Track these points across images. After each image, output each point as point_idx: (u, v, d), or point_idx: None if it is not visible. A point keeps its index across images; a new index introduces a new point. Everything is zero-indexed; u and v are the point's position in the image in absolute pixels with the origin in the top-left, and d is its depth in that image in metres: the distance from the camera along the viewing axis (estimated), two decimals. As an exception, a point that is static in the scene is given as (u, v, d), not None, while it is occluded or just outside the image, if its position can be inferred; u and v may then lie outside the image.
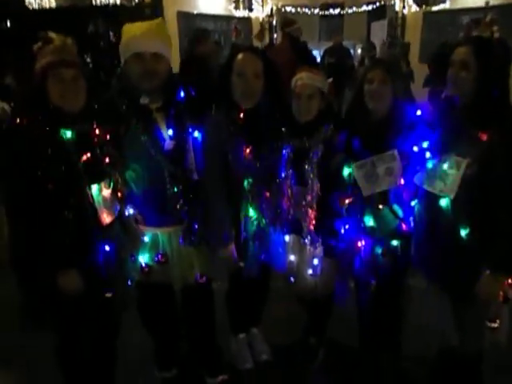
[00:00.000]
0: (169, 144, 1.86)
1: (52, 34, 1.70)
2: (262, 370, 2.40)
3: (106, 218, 1.80)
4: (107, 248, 1.78)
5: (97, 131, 1.76)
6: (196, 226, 1.95)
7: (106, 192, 1.79)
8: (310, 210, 2.02)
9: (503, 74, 1.65)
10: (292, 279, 2.18)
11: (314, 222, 2.02)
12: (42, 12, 6.70)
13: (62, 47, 1.67)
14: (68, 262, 1.69)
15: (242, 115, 1.95)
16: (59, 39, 1.69)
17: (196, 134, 1.95)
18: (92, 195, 1.72)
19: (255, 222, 2.01)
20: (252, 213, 2.00)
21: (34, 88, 1.66)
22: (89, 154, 1.70)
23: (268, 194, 2.02)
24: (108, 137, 1.80)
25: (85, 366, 1.94)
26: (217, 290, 2.26)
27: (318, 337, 2.42)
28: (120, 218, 1.89)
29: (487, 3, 8.30)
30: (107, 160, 1.78)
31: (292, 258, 2.14)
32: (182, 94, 1.94)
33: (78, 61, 1.71)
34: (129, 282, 1.98)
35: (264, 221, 2.03)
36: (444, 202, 1.69)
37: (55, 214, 1.64)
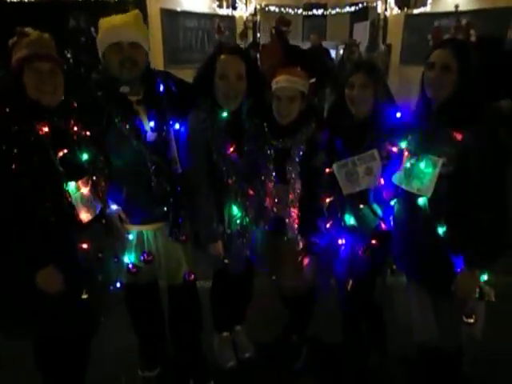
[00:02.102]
0: (151, 135, 1.86)
1: (29, 29, 1.66)
2: (245, 368, 2.40)
3: (85, 217, 1.75)
4: (85, 247, 1.73)
5: (75, 127, 1.73)
6: (181, 220, 1.95)
7: (85, 190, 1.76)
8: (292, 208, 2.03)
9: (478, 75, 1.69)
10: (274, 277, 2.20)
11: (296, 219, 2.04)
12: (21, 5, 6.55)
13: (38, 40, 1.64)
14: (45, 259, 1.64)
15: (225, 115, 1.95)
16: (36, 33, 1.66)
17: (177, 126, 1.96)
18: (69, 192, 1.68)
19: (239, 220, 2.02)
20: (236, 210, 2.01)
21: (10, 81, 1.63)
22: (66, 150, 1.67)
23: (251, 192, 2.03)
24: (87, 133, 1.78)
25: (61, 367, 1.90)
26: (200, 288, 2.26)
27: (300, 334, 2.44)
28: (102, 217, 1.85)
29: (457, 6, 8.52)
30: (86, 156, 1.75)
31: (274, 256, 2.15)
32: (162, 87, 1.94)
33: (56, 55, 1.68)
34: (113, 285, 1.95)
35: (247, 218, 2.04)
36: (422, 201, 1.72)
37: (30, 210, 1.60)
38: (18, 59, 1.60)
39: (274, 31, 5.49)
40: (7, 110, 1.59)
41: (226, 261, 2.05)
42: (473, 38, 7.53)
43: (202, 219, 1.98)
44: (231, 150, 1.95)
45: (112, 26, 1.83)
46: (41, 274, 1.63)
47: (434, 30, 8.45)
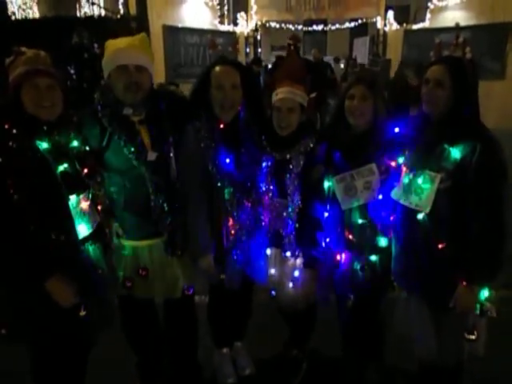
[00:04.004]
0: (151, 155, 1.88)
1: (24, 48, 1.70)
2: (245, 385, 2.37)
3: (84, 231, 1.76)
4: (83, 262, 1.73)
5: (75, 142, 1.75)
6: (177, 237, 1.95)
7: (85, 204, 1.77)
8: (290, 222, 2.02)
9: (474, 91, 1.71)
10: (273, 292, 2.18)
11: (294, 233, 2.03)
12: (26, 22, 6.66)
13: (35, 58, 1.67)
14: (49, 268, 1.63)
15: (221, 126, 1.98)
16: (32, 51, 1.70)
17: (177, 145, 1.96)
18: (70, 207, 1.69)
19: (234, 233, 2.01)
20: (232, 223, 2.01)
21: (8, 98, 1.65)
22: (66, 165, 1.69)
23: (248, 204, 2.03)
24: (87, 148, 1.80)
25: (59, 381, 1.88)
26: (200, 303, 2.24)
27: (300, 349, 2.42)
28: (98, 231, 1.86)
29: (457, 25, 8.64)
30: (86, 171, 1.76)
31: (273, 271, 2.14)
32: (163, 107, 1.96)
33: (53, 71, 1.71)
34: (111, 300, 1.94)
35: (244, 231, 2.03)
36: (421, 216, 1.72)
37: (32, 225, 1.59)
38: (16, 76, 1.63)
39: (292, 47, 6.24)
40: (6, 126, 1.60)
41: (222, 276, 2.04)
42: (468, 55, 7.64)
43: (191, 233, 1.97)
44: (227, 161, 1.96)
45: (118, 48, 1.85)
46: (50, 284, 1.62)
47: (436, 46, 8.55)
